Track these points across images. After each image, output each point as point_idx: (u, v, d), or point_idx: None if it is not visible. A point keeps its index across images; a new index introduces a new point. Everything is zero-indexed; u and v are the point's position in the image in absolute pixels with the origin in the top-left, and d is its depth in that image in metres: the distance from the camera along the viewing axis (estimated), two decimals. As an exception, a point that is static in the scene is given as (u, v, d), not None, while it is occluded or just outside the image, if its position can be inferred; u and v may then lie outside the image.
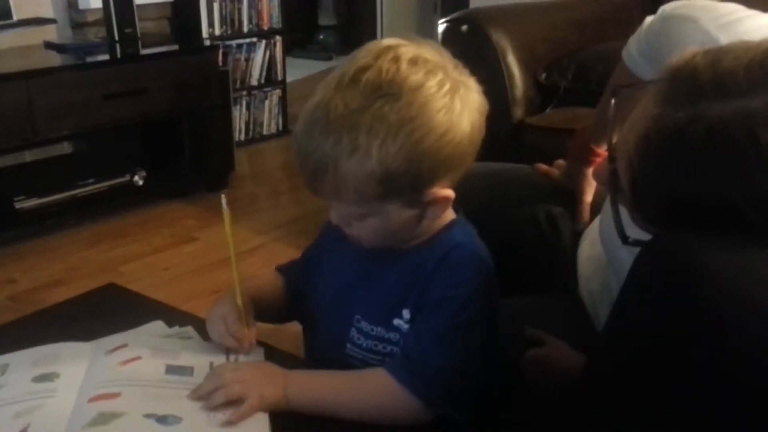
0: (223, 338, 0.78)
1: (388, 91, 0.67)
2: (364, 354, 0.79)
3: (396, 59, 0.69)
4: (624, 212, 0.66)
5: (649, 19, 0.93)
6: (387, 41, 0.72)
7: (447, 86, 0.69)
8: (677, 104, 0.58)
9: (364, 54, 0.70)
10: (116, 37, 2.59)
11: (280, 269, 0.91)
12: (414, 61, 0.69)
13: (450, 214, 0.80)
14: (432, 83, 0.68)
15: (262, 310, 0.85)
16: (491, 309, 0.77)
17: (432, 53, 0.71)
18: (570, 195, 1.14)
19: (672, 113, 0.58)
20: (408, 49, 0.70)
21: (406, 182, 0.69)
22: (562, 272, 1.08)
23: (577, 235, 1.10)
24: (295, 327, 0.92)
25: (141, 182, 2.56)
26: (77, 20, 2.69)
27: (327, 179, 0.69)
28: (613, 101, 0.68)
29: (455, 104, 0.69)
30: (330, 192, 0.71)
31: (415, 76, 0.68)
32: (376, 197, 0.70)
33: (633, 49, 0.96)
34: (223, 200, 0.75)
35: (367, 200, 0.70)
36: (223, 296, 0.81)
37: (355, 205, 0.72)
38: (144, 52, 2.62)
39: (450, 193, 0.73)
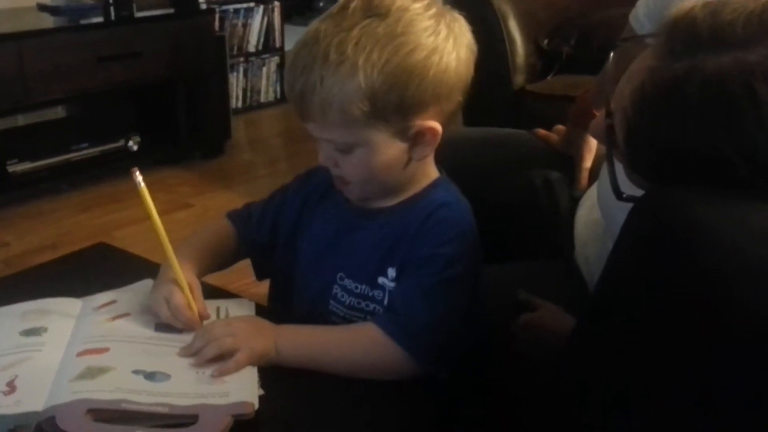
0: (171, 321, 0.74)
1: (376, 12, 0.70)
2: (346, 311, 0.79)
3: None
4: (621, 173, 0.65)
5: (657, -19, 0.92)
6: None
7: (433, 10, 0.72)
8: (674, 56, 0.57)
9: None
10: (110, -1, 2.55)
11: (231, 217, 0.88)
12: None
13: (434, 173, 0.80)
14: (418, 6, 0.72)
15: (207, 266, 0.83)
16: (475, 269, 0.77)
17: None
18: (568, 161, 1.13)
19: (669, 65, 0.57)
20: None
21: (392, 103, 0.70)
22: (559, 238, 1.07)
23: (575, 201, 1.09)
24: (263, 288, 0.90)
25: (135, 148, 2.54)
26: (71, -19, 2.64)
27: (314, 99, 0.70)
28: (611, 55, 0.66)
29: (441, 28, 0.71)
30: (316, 113, 0.71)
31: (403, 0, 0.71)
32: (362, 119, 0.70)
33: (640, 12, 0.95)
34: (137, 176, 0.72)
35: (353, 123, 0.70)
36: (162, 273, 0.77)
37: (341, 129, 0.71)
38: (139, 14, 2.57)
39: (437, 125, 0.74)
